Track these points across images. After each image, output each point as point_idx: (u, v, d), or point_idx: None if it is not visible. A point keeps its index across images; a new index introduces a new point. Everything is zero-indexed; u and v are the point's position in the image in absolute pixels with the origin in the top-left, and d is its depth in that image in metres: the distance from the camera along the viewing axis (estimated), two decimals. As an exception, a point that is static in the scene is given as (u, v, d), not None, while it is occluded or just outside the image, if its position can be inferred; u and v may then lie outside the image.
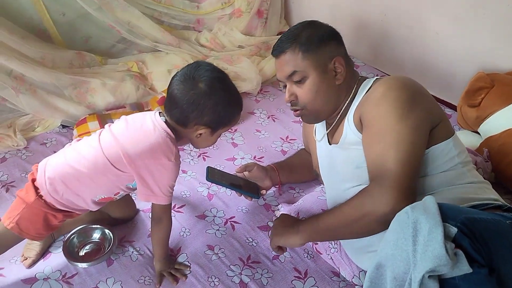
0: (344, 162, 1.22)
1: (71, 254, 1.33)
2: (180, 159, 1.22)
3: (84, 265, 1.31)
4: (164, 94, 1.86)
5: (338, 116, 1.26)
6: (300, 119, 1.31)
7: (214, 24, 2.25)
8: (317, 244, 1.36)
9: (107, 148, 1.16)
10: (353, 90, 1.23)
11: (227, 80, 1.21)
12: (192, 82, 1.14)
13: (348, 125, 1.19)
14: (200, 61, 1.23)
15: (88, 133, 1.66)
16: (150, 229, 1.32)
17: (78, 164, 1.17)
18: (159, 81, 2.00)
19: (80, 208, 1.23)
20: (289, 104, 1.25)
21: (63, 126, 1.83)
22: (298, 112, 1.25)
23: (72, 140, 1.67)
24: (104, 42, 2.11)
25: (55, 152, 1.70)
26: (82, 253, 1.36)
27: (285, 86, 1.26)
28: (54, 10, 1.91)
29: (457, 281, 0.77)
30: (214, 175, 1.42)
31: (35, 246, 1.33)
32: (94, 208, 1.25)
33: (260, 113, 1.99)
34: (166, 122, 1.19)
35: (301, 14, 2.36)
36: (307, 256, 1.37)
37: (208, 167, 1.44)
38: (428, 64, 1.95)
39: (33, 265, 1.31)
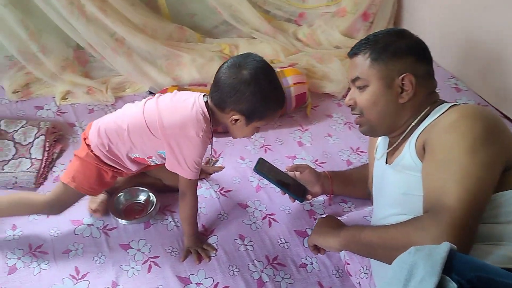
0: (393, 185, 1.14)
1: (116, 209, 1.43)
2: (213, 140, 1.28)
3: (124, 222, 1.40)
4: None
5: (401, 137, 1.16)
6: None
7: (315, 19, 2.20)
8: (349, 264, 1.28)
9: (148, 112, 1.24)
10: (423, 113, 1.12)
11: (272, 74, 1.20)
12: (238, 69, 1.16)
13: (409, 148, 1.10)
14: (252, 53, 1.23)
15: (164, 102, 1.75)
16: None
17: (120, 121, 1.27)
18: (246, 67, 2.03)
19: (123, 165, 1.31)
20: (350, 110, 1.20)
21: (150, 92, 1.96)
22: (356, 119, 1.20)
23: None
24: (207, 21, 2.21)
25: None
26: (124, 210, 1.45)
27: (349, 89, 1.21)
28: (167, -16, 2.05)
29: None
30: (262, 168, 1.40)
31: (96, 199, 1.44)
32: (132, 167, 1.33)
33: (338, 118, 1.91)
34: (206, 103, 1.22)
35: (412, 23, 2.19)
36: (335, 274, 1.30)
37: (260, 158, 1.43)
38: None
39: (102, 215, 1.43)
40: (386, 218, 1.13)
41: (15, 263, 1.29)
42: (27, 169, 1.53)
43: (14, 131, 1.65)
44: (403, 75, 1.09)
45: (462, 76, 1.95)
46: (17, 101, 1.86)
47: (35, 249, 1.33)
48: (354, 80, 1.16)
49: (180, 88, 1.82)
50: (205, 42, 2.11)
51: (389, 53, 1.11)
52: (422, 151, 1.05)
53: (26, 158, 1.57)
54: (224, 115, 1.22)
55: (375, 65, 1.11)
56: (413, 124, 1.12)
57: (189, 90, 1.81)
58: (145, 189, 1.48)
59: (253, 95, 1.16)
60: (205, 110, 1.22)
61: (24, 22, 1.80)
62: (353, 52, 1.17)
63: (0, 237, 1.36)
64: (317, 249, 1.26)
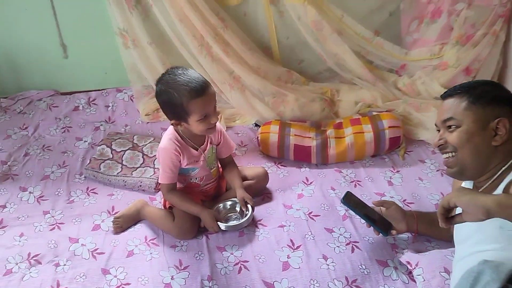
0: (485, 225, 1.15)
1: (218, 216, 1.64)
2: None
3: (223, 226, 1.59)
4: (342, 121, 2.04)
5: (489, 182, 1.22)
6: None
7: (416, 71, 2.31)
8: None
9: None
10: None
11: (170, 75, 1.46)
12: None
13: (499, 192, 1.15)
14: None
15: (268, 133, 1.98)
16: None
17: None
18: (345, 109, 2.20)
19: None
20: (440, 151, 1.29)
21: (256, 125, 2.21)
22: (446, 158, 1.27)
23: (256, 135, 2.03)
24: (313, 68, 2.43)
25: (241, 141, 2.10)
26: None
27: (438, 131, 1.30)
28: (281, 34, 2.32)
29: None
30: (350, 200, 1.51)
31: None
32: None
33: (431, 164, 1.97)
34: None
35: (517, 81, 2.19)
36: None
37: (347, 191, 1.55)
38: None
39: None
40: (479, 253, 1.13)
41: (133, 249, 1.55)
42: (150, 176, 1.83)
43: (143, 145, 1.98)
44: (499, 119, 1.17)
45: None
46: (148, 122, 2.23)
47: (149, 240, 1.59)
48: (445, 121, 1.24)
49: (282, 122, 2.04)
50: (308, 85, 2.33)
51: (487, 99, 1.20)
52: None
53: (150, 168, 1.88)
54: (178, 127, 1.53)
55: (472, 108, 1.20)
56: (503, 169, 1.17)
57: (289, 124, 2.02)
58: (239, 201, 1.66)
59: (164, 103, 1.48)
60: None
61: (162, 58, 2.19)
62: (448, 94, 1.26)
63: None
64: (446, 217, 1.08)
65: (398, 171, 1.93)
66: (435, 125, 1.32)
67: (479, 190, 1.23)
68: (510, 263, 0.78)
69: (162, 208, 1.69)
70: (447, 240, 1.52)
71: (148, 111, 2.25)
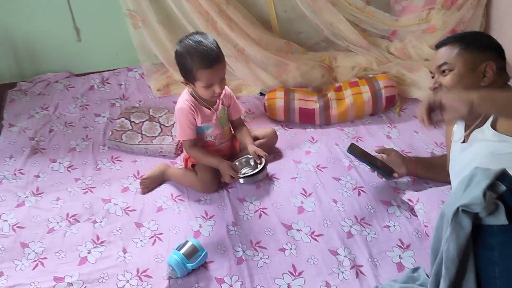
0: (477, 151, 1.32)
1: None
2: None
3: (240, 179, 1.75)
4: (342, 84, 2.21)
5: (479, 120, 1.39)
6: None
7: (406, 36, 2.47)
8: (427, 226, 1.50)
9: None
10: None
11: (193, 40, 1.58)
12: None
13: (488, 126, 1.32)
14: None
15: (274, 98, 2.14)
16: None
17: None
18: (342, 74, 2.36)
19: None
20: (434, 92, 1.45)
21: (261, 94, 2.37)
22: None
23: (263, 102, 2.19)
24: (311, 39, 2.58)
25: (249, 109, 2.26)
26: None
27: (433, 77, 1.47)
28: (279, 7, 2.47)
29: (495, 230, 0.90)
30: (355, 150, 1.69)
31: None
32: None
33: (425, 119, 2.14)
34: None
35: (499, 41, 2.36)
36: (415, 235, 1.52)
37: (352, 143, 1.72)
38: None
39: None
40: None
41: (162, 205, 1.71)
42: (169, 142, 1.99)
43: (159, 116, 2.14)
44: (486, 62, 1.35)
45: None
46: (160, 97, 2.38)
47: (176, 197, 1.75)
48: (440, 66, 1.41)
49: (287, 89, 2.20)
50: (307, 55, 2.49)
51: (476, 45, 1.38)
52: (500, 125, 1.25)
53: (169, 136, 2.03)
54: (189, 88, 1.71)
55: (463, 53, 1.38)
56: None
57: (293, 90, 2.18)
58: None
59: (179, 63, 1.61)
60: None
61: (170, 36, 2.33)
62: (442, 43, 1.44)
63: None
64: (430, 118, 1.18)
65: (395, 126, 2.10)
66: (430, 72, 1.50)
67: (470, 128, 1.40)
68: (504, 170, 0.95)
69: (184, 168, 1.86)
70: (444, 181, 1.69)
71: (159, 87, 2.40)
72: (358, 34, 2.44)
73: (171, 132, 2.05)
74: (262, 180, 1.78)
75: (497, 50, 1.40)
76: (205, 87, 1.62)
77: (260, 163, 1.76)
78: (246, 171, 1.81)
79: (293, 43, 2.48)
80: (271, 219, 1.62)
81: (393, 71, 2.31)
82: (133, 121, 2.10)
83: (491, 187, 0.90)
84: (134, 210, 1.70)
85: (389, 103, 2.17)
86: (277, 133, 2.02)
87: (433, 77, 1.49)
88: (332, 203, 1.66)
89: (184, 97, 1.74)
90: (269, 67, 2.33)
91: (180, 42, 1.64)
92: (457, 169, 1.44)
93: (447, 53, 1.41)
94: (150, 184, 1.79)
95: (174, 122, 2.08)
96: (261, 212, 1.65)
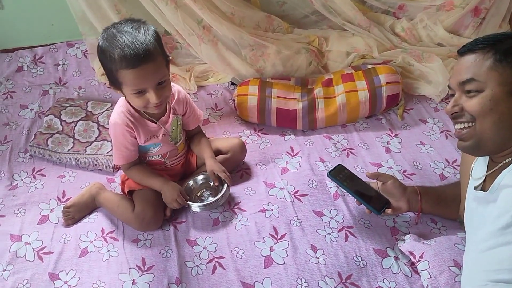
0: (508, 210, 0.93)
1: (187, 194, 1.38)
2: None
3: (195, 206, 1.34)
4: (332, 77, 1.75)
5: (508, 160, 0.98)
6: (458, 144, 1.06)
7: (417, 13, 1.98)
8: None
9: None
10: None
11: (110, 31, 1.16)
12: None
13: None
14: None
15: (245, 95, 1.69)
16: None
17: None
18: (335, 61, 1.90)
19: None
20: (452, 119, 1.04)
21: (232, 83, 1.91)
22: (459, 129, 1.03)
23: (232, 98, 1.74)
24: (298, 10, 2.09)
25: (216, 104, 1.81)
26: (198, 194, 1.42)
27: (452, 95, 1.04)
28: (258, -30, 1.96)
29: None
30: (338, 173, 1.30)
31: None
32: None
33: (434, 124, 1.71)
34: None
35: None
36: (415, 303, 1.14)
37: (339, 164, 1.33)
38: None
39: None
40: (483, 252, 0.97)
41: (87, 246, 1.31)
42: (107, 152, 1.55)
43: (99, 113, 1.68)
44: None
45: None
46: (105, 83, 1.90)
47: (107, 233, 1.34)
48: (464, 82, 0.99)
49: (262, 81, 1.74)
50: (293, 33, 2.00)
51: None
52: None
53: (108, 141, 1.59)
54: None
55: (499, 68, 0.94)
56: None
57: (270, 84, 1.72)
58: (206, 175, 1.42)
59: (100, 60, 1.18)
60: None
61: (117, 6, 1.82)
62: (468, 49, 1.00)
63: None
64: None
65: (396, 135, 1.67)
66: (449, 87, 1.06)
67: (494, 168, 1.01)
68: None
69: (121, 193, 1.43)
70: (455, 219, 1.31)
71: (105, 70, 1.92)
72: (356, 8, 1.94)
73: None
74: (223, 204, 1.38)
75: None
76: (136, 94, 1.17)
77: (221, 186, 1.36)
78: (203, 194, 1.41)
79: (275, 17, 1.99)
80: (228, 274, 1.22)
81: (398, 60, 1.85)
82: (64, 120, 1.65)
83: None
84: (51, 253, 1.30)
85: (391, 103, 1.73)
86: (249, 140, 1.60)
87: (452, 95, 1.05)
88: (310, 251, 1.26)
89: (119, 108, 1.29)
90: (242, 49, 1.85)
91: (103, 32, 1.17)
92: (478, 225, 1.04)
93: (476, 66, 0.96)
94: (76, 213, 1.38)
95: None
96: (216, 264, 1.25)
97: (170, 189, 1.32)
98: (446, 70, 1.79)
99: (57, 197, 1.46)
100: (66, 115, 1.67)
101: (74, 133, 1.61)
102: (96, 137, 1.61)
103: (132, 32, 1.12)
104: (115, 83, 1.19)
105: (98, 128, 1.63)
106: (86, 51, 1.99)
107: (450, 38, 1.92)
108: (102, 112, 1.68)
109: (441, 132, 1.68)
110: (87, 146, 1.58)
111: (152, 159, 1.39)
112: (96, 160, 1.53)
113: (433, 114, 1.76)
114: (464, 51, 1.01)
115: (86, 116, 1.67)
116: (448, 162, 1.55)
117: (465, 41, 1.85)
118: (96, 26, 1.83)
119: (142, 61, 1.12)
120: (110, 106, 1.70)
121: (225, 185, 1.36)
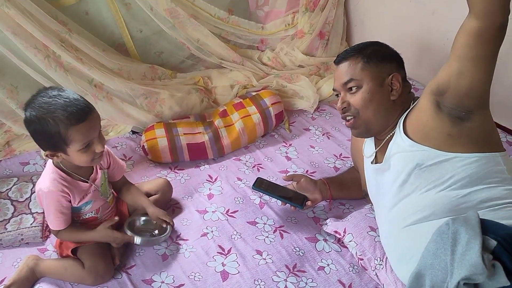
0: (401, 171, 1.21)
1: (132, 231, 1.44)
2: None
3: (138, 240, 1.40)
4: (226, 108, 1.97)
5: (390, 135, 1.30)
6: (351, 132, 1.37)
7: (276, 44, 2.35)
8: (363, 259, 1.38)
9: None
10: (410, 109, 1.27)
11: (38, 101, 1.20)
12: None
13: (399, 131, 1.23)
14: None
15: (154, 139, 1.80)
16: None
17: None
18: (222, 95, 2.13)
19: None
20: (342, 114, 1.33)
21: (133, 132, 2.00)
22: (350, 121, 1.31)
23: (141, 144, 1.83)
24: (175, 57, 2.27)
25: (124, 155, 1.88)
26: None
27: (337, 95, 1.33)
28: (132, 27, 2.10)
29: (495, 295, 0.77)
30: (260, 185, 1.51)
31: None
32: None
33: (316, 130, 2.05)
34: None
35: (363, 37, 2.40)
36: (352, 270, 1.39)
37: (258, 177, 1.53)
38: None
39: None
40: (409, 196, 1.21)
41: None
42: (31, 224, 1.51)
43: (7, 189, 1.62)
44: (392, 74, 1.25)
45: (417, 77, 2.17)
46: (1, 160, 1.82)
47: (58, 301, 1.32)
48: (346, 83, 1.28)
49: (166, 123, 1.88)
50: (177, 78, 2.19)
51: (379, 57, 1.27)
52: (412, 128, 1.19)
53: (27, 214, 1.55)
54: (55, 159, 1.29)
55: (367, 68, 1.26)
56: (401, 119, 1.26)
57: (174, 124, 1.87)
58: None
59: (36, 132, 1.21)
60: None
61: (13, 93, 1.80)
62: (342, 58, 1.30)
63: None
64: None
65: (290, 145, 1.96)
66: (333, 89, 1.36)
67: (382, 143, 1.31)
68: (473, 215, 0.83)
69: (60, 257, 1.42)
70: (358, 198, 1.62)
71: (-3, 147, 1.85)
72: (227, 47, 2.22)
73: (30, 208, 1.57)
74: (164, 240, 1.47)
75: (397, 59, 1.32)
76: (83, 150, 1.23)
77: (167, 226, 1.47)
78: (145, 233, 1.48)
79: (158, 67, 2.15)
80: (193, 297, 1.32)
81: (274, 84, 2.17)
82: (-30, 205, 1.55)
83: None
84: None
85: (279, 120, 2.02)
86: (168, 178, 1.71)
87: (337, 95, 1.35)
88: (256, 256, 1.43)
89: (51, 175, 1.31)
90: (137, 99, 1.97)
91: (27, 105, 1.21)
92: (381, 191, 1.33)
93: (351, 69, 1.28)
94: (18, 291, 1.33)
95: (31, 194, 1.60)
96: (179, 292, 1.34)
97: (109, 231, 1.37)
98: (312, 85, 2.16)
99: (-11, 282, 1.38)
100: (-30, 199, 1.57)
101: (-14, 215, 1.53)
102: (13, 213, 1.55)
103: (61, 94, 1.19)
104: (59, 146, 1.22)
105: (12, 204, 1.58)
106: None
107: (308, 60, 2.31)
108: (11, 188, 1.63)
109: (323, 134, 2.02)
110: (6, 224, 1.51)
111: (86, 217, 1.42)
112: (22, 235, 1.48)
113: (312, 122, 2.10)
114: (339, 60, 1.32)
115: (-6, 195, 1.60)
116: (337, 157, 1.88)
117: (319, 60, 2.30)
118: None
119: (87, 113, 1.20)
120: (17, 180, 1.65)
121: (169, 227, 1.47)
